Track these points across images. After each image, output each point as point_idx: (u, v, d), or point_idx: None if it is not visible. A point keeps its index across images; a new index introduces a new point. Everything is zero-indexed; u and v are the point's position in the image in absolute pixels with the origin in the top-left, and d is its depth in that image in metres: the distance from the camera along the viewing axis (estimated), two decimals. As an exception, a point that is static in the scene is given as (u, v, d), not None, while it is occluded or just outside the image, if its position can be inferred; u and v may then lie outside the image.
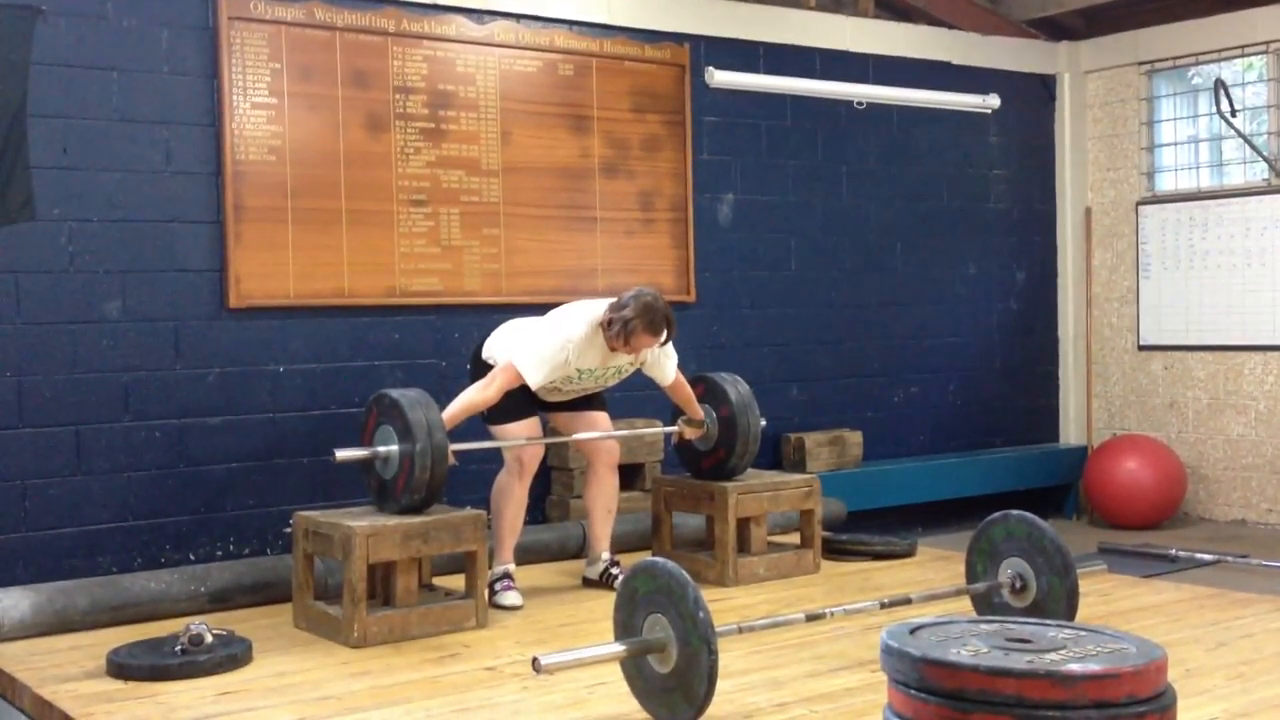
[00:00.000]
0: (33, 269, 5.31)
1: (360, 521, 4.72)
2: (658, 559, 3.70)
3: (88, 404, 5.41)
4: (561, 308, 5.30)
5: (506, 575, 5.28)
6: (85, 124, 5.41)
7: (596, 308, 5.16)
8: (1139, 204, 8.49)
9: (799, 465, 7.20)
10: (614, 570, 5.46)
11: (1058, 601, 4.30)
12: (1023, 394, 8.58)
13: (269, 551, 5.77)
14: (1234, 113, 7.82)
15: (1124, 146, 8.58)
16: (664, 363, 5.40)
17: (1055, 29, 8.60)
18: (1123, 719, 2.54)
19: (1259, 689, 3.92)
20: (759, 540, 5.78)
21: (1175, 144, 8.46)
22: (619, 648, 3.66)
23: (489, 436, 5.40)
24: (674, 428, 5.76)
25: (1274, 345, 7.85)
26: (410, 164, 6.19)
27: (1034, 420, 8.64)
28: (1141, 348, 8.50)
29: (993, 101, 8.04)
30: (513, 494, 5.31)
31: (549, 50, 6.60)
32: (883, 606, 4.38)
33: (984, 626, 2.94)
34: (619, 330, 5.04)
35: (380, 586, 4.83)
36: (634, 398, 6.43)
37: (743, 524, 5.68)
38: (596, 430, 5.50)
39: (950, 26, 8.16)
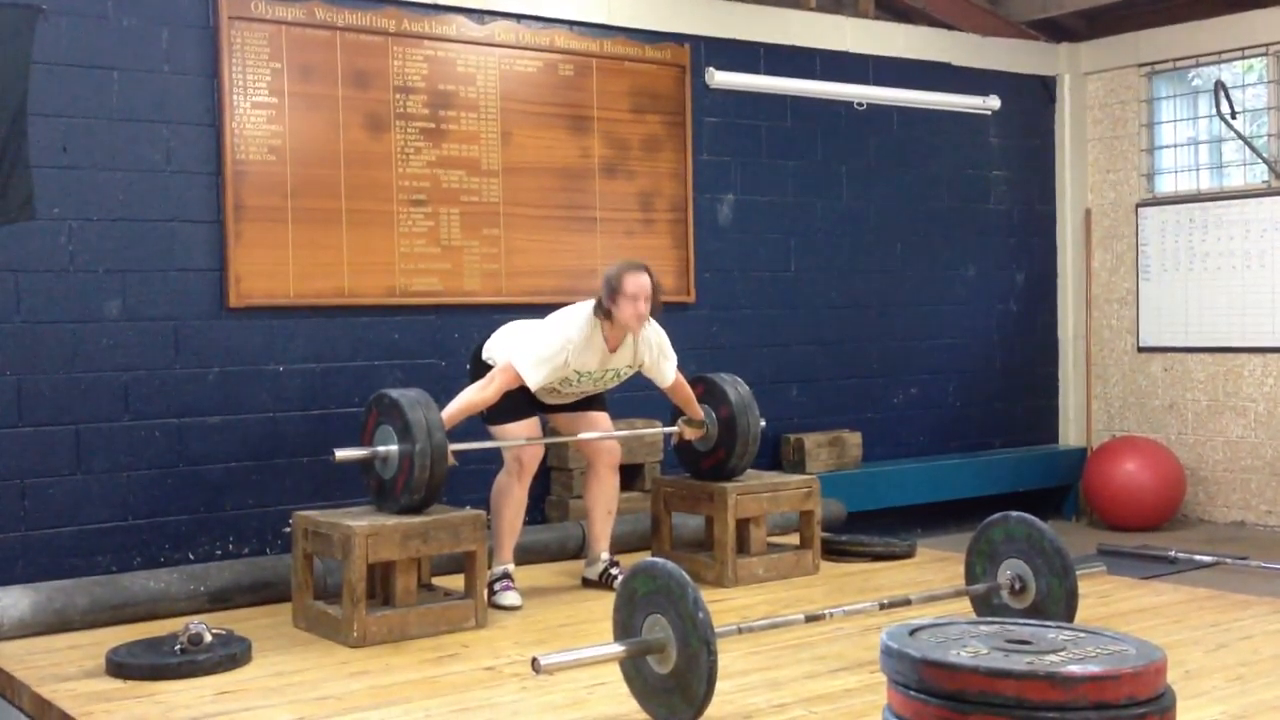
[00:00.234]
0: (33, 268, 5.31)
1: (360, 521, 4.72)
2: (657, 559, 3.70)
3: (87, 403, 5.41)
4: (561, 310, 5.30)
5: (506, 575, 5.28)
6: (85, 123, 5.41)
7: (594, 309, 5.17)
8: (1139, 206, 8.49)
9: (798, 466, 7.20)
10: (613, 570, 5.46)
11: (1057, 603, 4.30)
12: (1022, 395, 8.58)
13: (268, 551, 5.77)
14: (1234, 114, 7.82)
15: (1124, 148, 8.58)
16: (663, 364, 5.40)
17: (1055, 30, 8.60)
18: (1122, 720, 2.54)
19: (1258, 691, 3.92)
20: (758, 541, 5.78)
21: (1175, 146, 8.46)
22: (618, 648, 3.66)
23: (489, 437, 5.40)
24: (674, 428, 5.77)
25: (1273, 347, 7.85)
26: (410, 164, 6.19)
27: (1033, 421, 8.65)
28: (1141, 349, 8.50)
29: (993, 103, 8.05)
30: (512, 494, 5.30)
31: (549, 50, 6.60)
32: (882, 608, 4.38)
33: (984, 628, 2.94)
34: (609, 292, 5.07)
35: (379, 586, 4.83)
36: (634, 398, 6.43)
37: (742, 525, 5.68)
38: (597, 431, 5.51)
39: (950, 28, 8.16)
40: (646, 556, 4.34)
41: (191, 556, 5.61)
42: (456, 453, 4.99)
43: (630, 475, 6.40)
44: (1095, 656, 2.67)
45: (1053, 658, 2.67)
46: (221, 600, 5.20)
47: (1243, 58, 8.04)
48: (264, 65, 5.80)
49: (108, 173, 5.46)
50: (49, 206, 5.31)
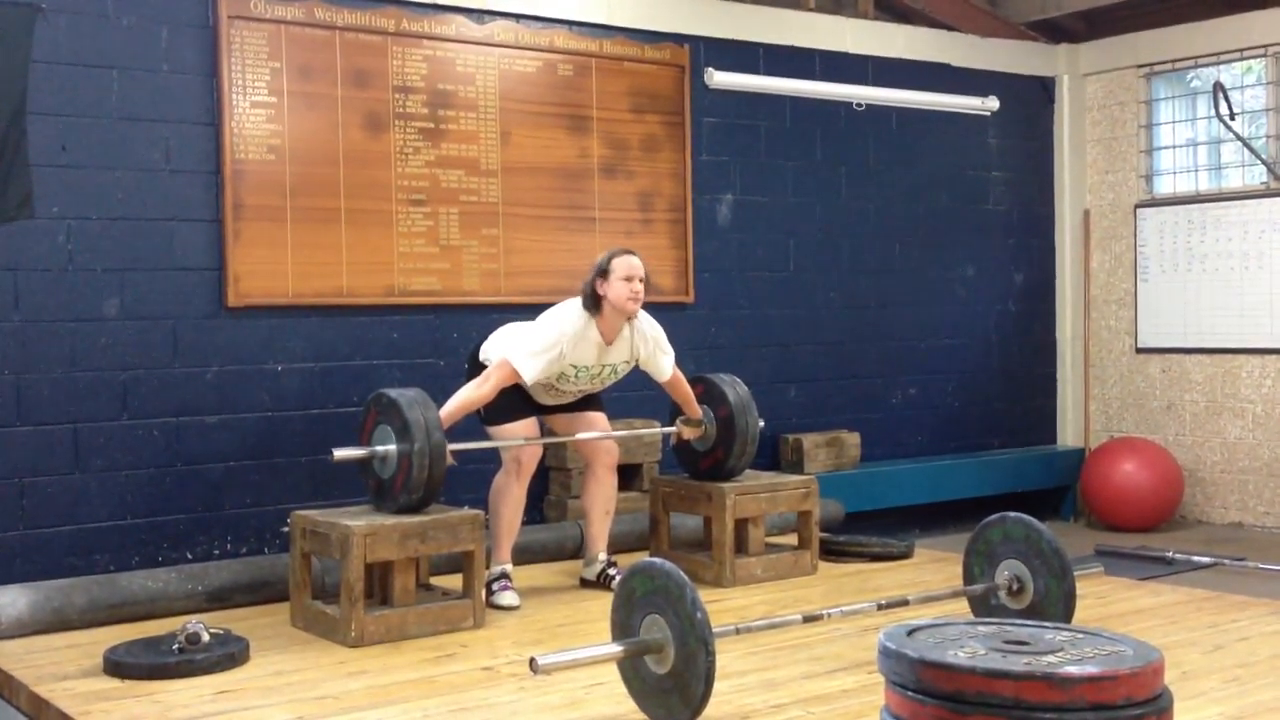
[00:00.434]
0: (31, 267, 5.31)
1: (358, 521, 4.72)
2: (655, 560, 3.70)
3: (86, 402, 5.41)
4: (551, 308, 5.30)
5: (504, 575, 5.28)
6: (85, 122, 5.41)
7: (583, 304, 5.19)
8: (1137, 206, 8.50)
9: (797, 466, 7.21)
10: (611, 571, 5.46)
11: (1055, 603, 4.30)
12: (1020, 396, 8.58)
13: (266, 550, 5.76)
14: (1233, 116, 7.82)
15: (1123, 149, 8.59)
16: (659, 357, 5.40)
17: (1054, 31, 8.61)
18: (1119, 721, 2.54)
19: (1255, 692, 3.93)
20: (756, 541, 5.78)
21: (1174, 147, 8.47)
22: (616, 648, 3.66)
23: (487, 438, 5.40)
24: (672, 428, 5.77)
25: (1272, 348, 7.86)
26: (409, 163, 6.19)
27: (1032, 422, 8.65)
28: (1139, 350, 8.51)
29: (992, 104, 8.05)
30: (510, 494, 5.31)
31: (548, 50, 6.60)
32: (880, 608, 4.38)
33: (981, 628, 2.94)
34: (599, 276, 5.11)
35: (378, 586, 4.83)
36: (632, 398, 6.43)
37: (740, 525, 5.68)
38: (595, 431, 5.51)
39: (950, 28, 8.16)
40: (644, 557, 4.34)
41: (190, 556, 5.61)
42: (455, 452, 5.00)
43: (628, 475, 6.40)
44: (1093, 657, 2.68)
45: (1050, 658, 2.67)
46: (219, 600, 5.20)
47: (1241, 59, 8.04)
48: (263, 64, 5.80)
49: (107, 172, 5.46)
50: (48, 205, 5.31)
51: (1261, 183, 7.99)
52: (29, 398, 5.30)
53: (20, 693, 4.19)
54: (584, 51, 6.71)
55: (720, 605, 5.06)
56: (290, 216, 5.87)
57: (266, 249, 5.80)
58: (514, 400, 5.32)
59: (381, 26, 6.12)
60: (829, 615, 4.28)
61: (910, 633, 2.85)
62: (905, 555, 6.25)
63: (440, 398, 5.05)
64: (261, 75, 5.80)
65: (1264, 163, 7.89)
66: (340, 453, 4.89)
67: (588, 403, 5.54)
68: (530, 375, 5.08)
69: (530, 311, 5.58)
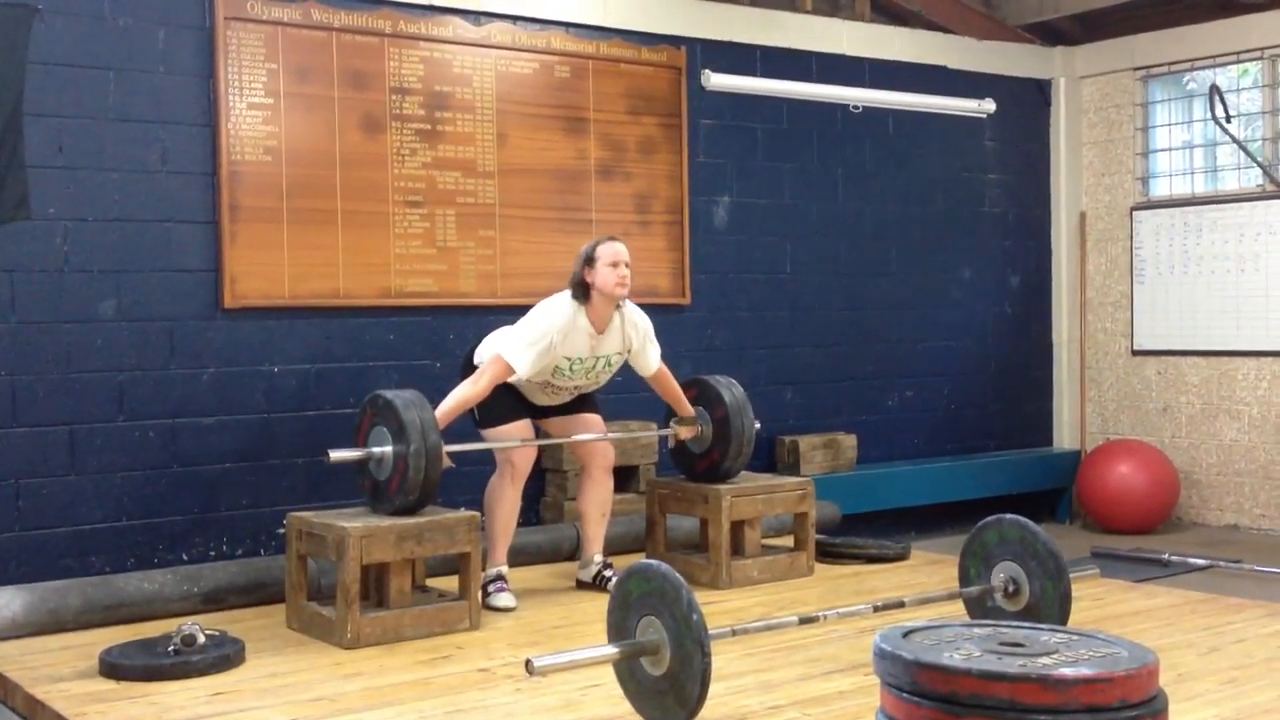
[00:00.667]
0: (28, 268, 5.30)
1: (354, 522, 4.72)
2: (651, 561, 3.70)
3: (82, 403, 5.41)
4: (539, 303, 5.32)
5: (500, 577, 5.28)
6: (81, 123, 5.41)
7: (571, 295, 5.22)
8: (1133, 209, 8.51)
9: (793, 468, 7.21)
10: (607, 572, 5.46)
11: (1051, 605, 4.31)
12: (1017, 398, 8.59)
13: (262, 552, 5.76)
14: (1229, 118, 7.84)
15: (1119, 151, 8.60)
16: (649, 349, 5.43)
17: (1051, 34, 8.62)
18: (1115, 723, 2.55)
19: (1251, 694, 3.93)
20: (753, 543, 5.78)
21: (1170, 149, 8.48)
22: (612, 650, 3.66)
23: (482, 440, 5.40)
24: (668, 430, 5.77)
25: (1268, 351, 7.87)
26: (406, 165, 6.19)
27: (1028, 424, 8.66)
28: (1135, 353, 8.52)
29: (988, 106, 8.06)
30: (505, 496, 5.31)
31: (545, 52, 6.60)
32: (876, 610, 4.38)
33: (977, 630, 2.94)
34: (585, 264, 5.15)
35: (373, 588, 4.82)
36: (628, 400, 6.43)
37: (737, 527, 5.69)
38: (591, 433, 5.51)
39: (946, 31, 8.17)
40: (641, 558, 4.34)
41: (185, 557, 5.60)
42: (451, 454, 5.00)
43: (624, 477, 6.40)
44: (1088, 659, 2.68)
45: (1046, 660, 2.67)
46: (215, 601, 5.20)
47: (1237, 62, 8.05)
48: (260, 66, 5.80)
49: (103, 173, 5.46)
50: (44, 206, 5.31)
51: (1257, 185, 8.00)
52: (25, 399, 5.29)
53: (16, 694, 4.18)
54: (581, 53, 6.71)
55: (716, 607, 5.05)
56: (287, 218, 5.87)
57: (263, 250, 5.80)
58: (509, 402, 5.33)
59: (378, 28, 6.12)
60: (825, 617, 4.28)
61: (906, 634, 2.85)
62: (901, 557, 6.25)
63: (436, 399, 5.05)
64: (258, 77, 5.80)
65: (1260, 165, 7.90)
66: (336, 454, 4.89)
67: (583, 405, 5.54)
68: (523, 368, 5.08)
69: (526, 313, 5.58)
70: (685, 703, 3.49)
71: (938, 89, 7.96)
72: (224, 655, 4.31)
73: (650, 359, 5.46)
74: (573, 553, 6.01)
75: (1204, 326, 8.16)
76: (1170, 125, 8.48)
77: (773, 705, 3.86)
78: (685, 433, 5.72)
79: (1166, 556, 6.94)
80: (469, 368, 5.36)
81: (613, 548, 5.80)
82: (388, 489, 4.85)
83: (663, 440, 6.18)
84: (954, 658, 2.67)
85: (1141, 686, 2.59)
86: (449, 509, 5.02)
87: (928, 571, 5.95)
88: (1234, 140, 7.92)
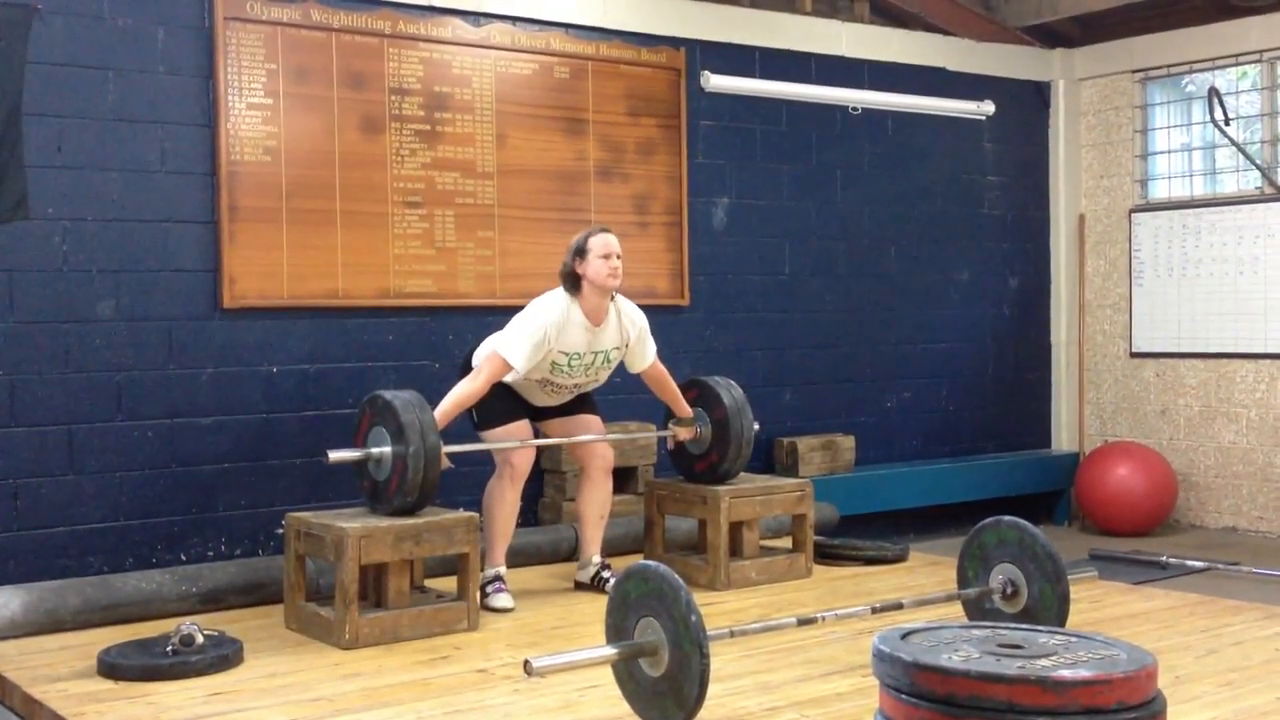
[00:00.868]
0: (27, 268, 5.30)
1: (353, 523, 4.72)
2: (650, 562, 3.71)
3: (81, 403, 5.40)
4: (532, 301, 5.32)
5: (498, 578, 5.28)
6: (80, 123, 5.41)
7: (564, 288, 5.24)
8: (1132, 211, 8.51)
9: (791, 469, 7.21)
10: (605, 573, 5.46)
11: (1049, 607, 4.31)
12: (1015, 400, 8.59)
13: (261, 552, 5.76)
14: (1227, 121, 7.84)
15: (1118, 154, 8.60)
16: (645, 343, 5.45)
17: (1050, 36, 8.62)
18: (1113, 725, 2.55)
19: (1248, 696, 3.93)
20: (751, 544, 5.78)
21: (1169, 152, 8.49)
22: (611, 651, 3.66)
23: (481, 442, 5.41)
24: (667, 431, 5.77)
25: (1266, 354, 7.87)
26: (405, 165, 6.19)
27: (1026, 426, 8.66)
28: (1134, 355, 8.52)
29: (987, 108, 8.07)
30: (504, 498, 5.31)
31: (545, 53, 6.60)
32: (874, 611, 4.39)
33: (975, 632, 2.94)
34: (577, 256, 5.16)
35: (372, 588, 4.82)
36: (627, 401, 6.44)
37: (735, 528, 5.69)
38: (590, 434, 5.51)
39: (945, 33, 8.17)
40: (639, 559, 4.34)
41: (184, 557, 5.60)
42: (450, 455, 5.00)
43: (623, 478, 6.40)
44: (1087, 661, 2.68)
45: (1044, 662, 2.67)
46: (214, 601, 5.20)
47: (1236, 64, 8.06)
48: (259, 66, 5.80)
49: (102, 173, 5.46)
50: (43, 206, 5.31)
51: (1256, 188, 8.01)
52: (23, 398, 5.29)
53: (14, 694, 4.18)
54: (580, 54, 6.71)
55: (715, 608, 5.06)
56: (286, 218, 5.87)
57: (262, 250, 5.80)
58: (508, 403, 5.33)
59: (378, 28, 6.12)
60: (823, 618, 4.28)
61: (905, 636, 2.86)
62: (900, 559, 6.25)
63: (435, 400, 5.05)
64: (257, 77, 5.80)
65: (1258, 168, 7.90)
66: (335, 455, 4.89)
67: (582, 406, 5.54)
68: (520, 363, 5.09)
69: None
70: (684, 704, 3.49)
71: (937, 91, 7.97)
72: (222, 655, 4.31)
73: (645, 354, 5.46)
74: (571, 554, 6.01)
75: (1202, 329, 8.16)
76: (1169, 128, 8.48)
77: (771, 707, 3.87)
78: (684, 434, 5.72)
79: (1164, 559, 6.94)
80: (467, 370, 5.36)
81: (611, 549, 5.80)
82: (386, 489, 4.85)
83: (661, 441, 6.18)
84: (953, 659, 2.67)
85: (1140, 689, 2.60)
86: (448, 510, 5.02)
87: (926, 573, 5.95)
88: (1233, 143, 7.93)
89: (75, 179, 5.40)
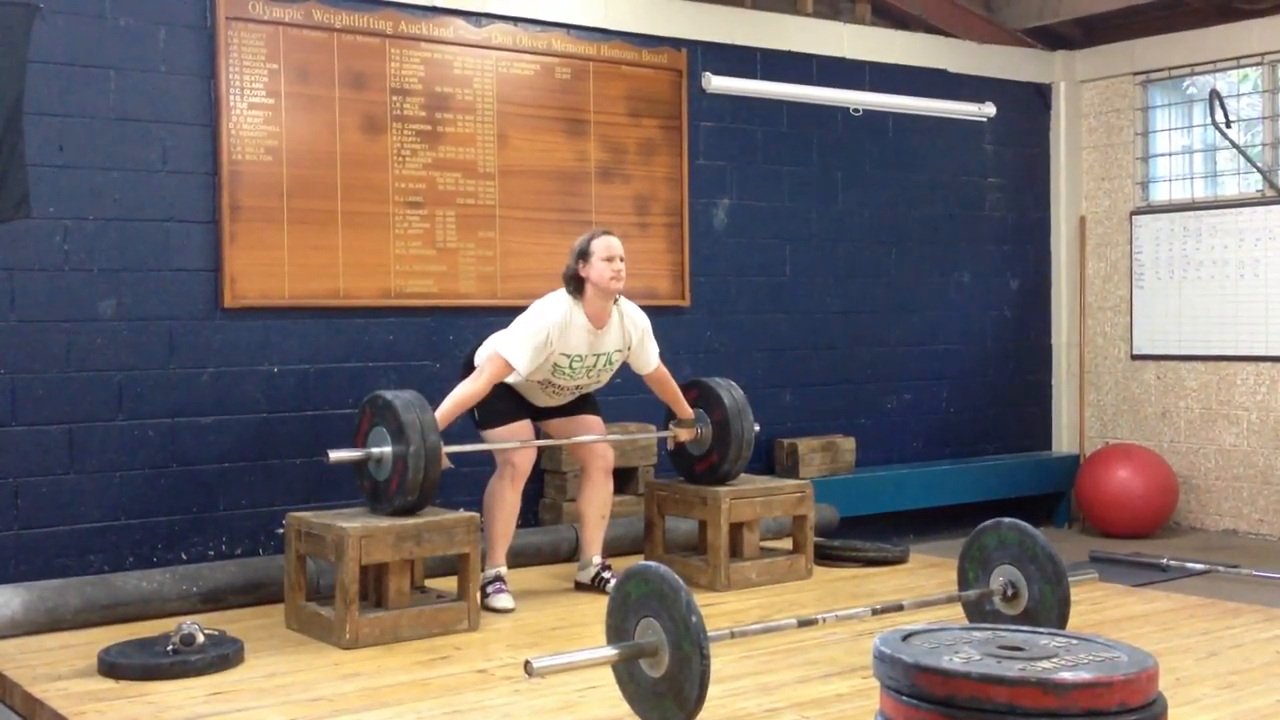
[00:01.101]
0: (28, 267, 5.30)
1: (353, 523, 4.72)
2: (650, 563, 3.70)
3: (81, 402, 5.41)
4: (539, 299, 5.33)
5: (499, 578, 5.28)
6: (82, 122, 5.41)
7: (566, 290, 5.24)
8: (1133, 214, 8.51)
9: (792, 471, 7.21)
10: (605, 574, 5.46)
11: (1049, 609, 4.31)
12: (1015, 402, 8.59)
13: (261, 552, 5.76)
14: (1229, 124, 7.84)
15: (1119, 156, 8.60)
16: (648, 346, 5.44)
17: (1051, 38, 8.62)
18: (1113, 728, 2.55)
19: (1249, 699, 3.93)
20: (751, 545, 5.78)
21: (1170, 154, 8.49)
22: (611, 651, 3.66)
23: (482, 442, 5.40)
24: (667, 432, 5.77)
25: (1267, 356, 7.87)
26: (407, 166, 6.19)
27: (1026, 428, 8.66)
28: (1134, 357, 8.52)
29: (988, 110, 8.07)
30: (505, 498, 5.31)
31: (546, 54, 6.61)
32: (874, 613, 4.39)
33: (976, 634, 2.94)
34: (579, 259, 5.17)
35: (372, 588, 4.82)
36: (627, 401, 6.44)
37: (735, 529, 5.69)
38: (590, 435, 5.51)
39: (947, 34, 8.18)
40: (639, 560, 4.34)
41: (184, 557, 5.60)
42: (451, 455, 5.00)
43: (623, 479, 6.39)
44: (1087, 663, 2.68)
45: (1045, 664, 2.67)
46: (214, 601, 5.20)
47: (1238, 67, 8.06)
48: (261, 66, 5.80)
49: (104, 172, 5.46)
50: (45, 205, 5.31)
51: (1257, 190, 8.01)
52: (24, 398, 5.29)
53: (14, 693, 4.18)
54: (581, 55, 6.71)
55: (715, 609, 5.06)
56: (287, 218, 5.87)
57: (263, 250, 5.80)
58: (509, 404, 5.33)
59: (379, 29, 6.12)
60: (824, 620, 4.28)
61: (905, 638, 2.86)
62: (900, 560, 6.25)
63: (436, 400, 5.05)
64: (259, 77, 5.80)
65: (1259, 170, 7.90)
66: (336, 454, 4.89)
67: (583, 406, 5.54)
68: (522, 364, 5.09)
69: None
70: (684, 705, 3.49)
71: (938, 92, 7.97)
72: (223, 655, 4.31)
73: (649, 357, 5.47)
74: (571, 554, 6.01)
75: (1203, 331, 8.16)
76: (1170, 130, 8.48)
77: (771, 708, 3.86)
78: (684, 435, 5.72)
79: (1165, 561, 6.94)
80: (468, 370, 5.36)
81: (611, 549, 5.80)
82: (387, 489, 4.85)
83: (662, 442, 6.18)
84: (953, 661, 2.67)
85: (1141, 691, 2.60)
86: (448, 510, 5.02)
87: (926, 574, 5.95)
88: (1234, 145, 7.93)
89: (76, 178, 5.40)
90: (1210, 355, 8.14)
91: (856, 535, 6.84)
